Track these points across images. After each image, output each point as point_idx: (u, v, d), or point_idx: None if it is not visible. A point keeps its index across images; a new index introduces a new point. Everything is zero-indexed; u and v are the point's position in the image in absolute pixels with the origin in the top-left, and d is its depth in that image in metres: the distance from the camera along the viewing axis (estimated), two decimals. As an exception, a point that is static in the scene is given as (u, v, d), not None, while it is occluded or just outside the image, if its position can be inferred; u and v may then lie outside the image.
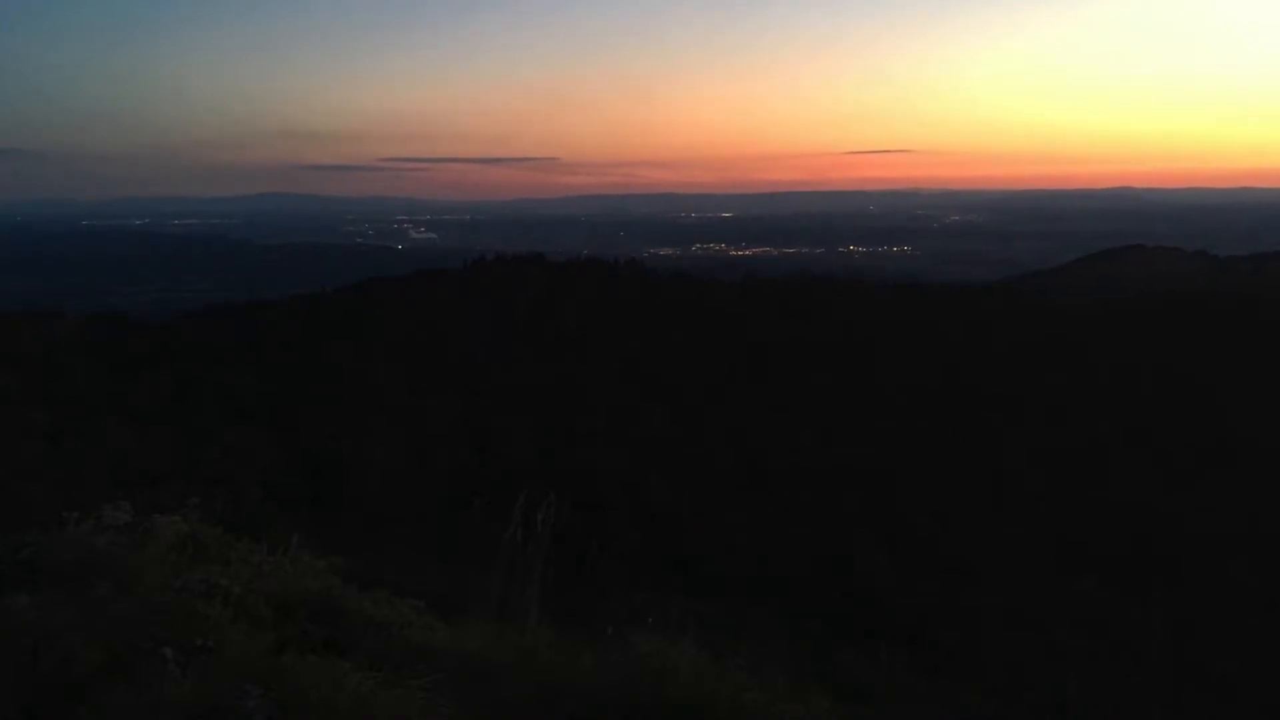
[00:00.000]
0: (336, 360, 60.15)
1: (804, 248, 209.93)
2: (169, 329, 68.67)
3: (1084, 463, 53.00)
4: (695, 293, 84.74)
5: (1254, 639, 29.89)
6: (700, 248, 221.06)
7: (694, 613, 5.43)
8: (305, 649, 4.94)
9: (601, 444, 50.76)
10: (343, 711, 4.36)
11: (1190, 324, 70.64)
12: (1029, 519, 45.88)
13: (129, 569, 5.47)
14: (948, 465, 51.96)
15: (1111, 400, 60.94)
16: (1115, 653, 26.97)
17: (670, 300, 79.09)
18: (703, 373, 64.11)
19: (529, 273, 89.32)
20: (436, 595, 5.92)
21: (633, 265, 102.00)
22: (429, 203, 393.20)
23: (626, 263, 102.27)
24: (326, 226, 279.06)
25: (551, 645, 5.09)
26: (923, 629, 29.03)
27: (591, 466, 46.16)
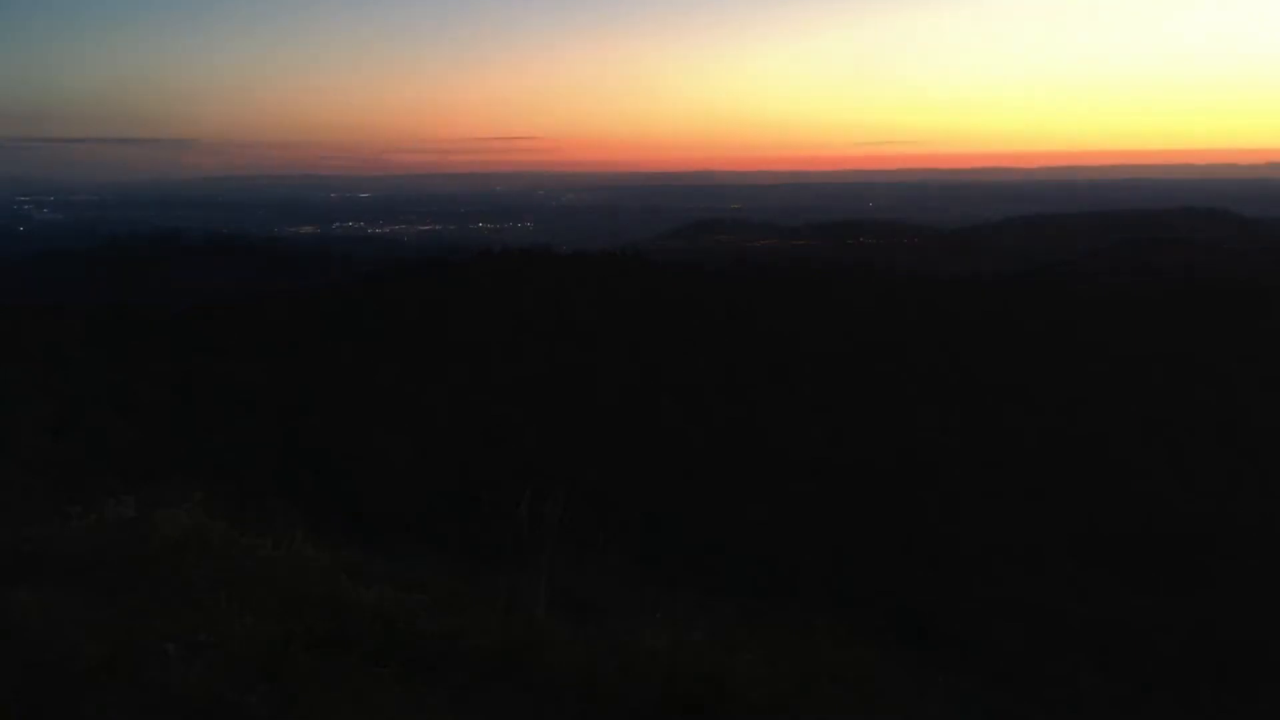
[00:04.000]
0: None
1: (437, 225, 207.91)
2: None
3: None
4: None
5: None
6: (339, 225, 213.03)
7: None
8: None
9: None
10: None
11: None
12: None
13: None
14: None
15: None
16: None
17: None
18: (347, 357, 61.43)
19: (167, 253, 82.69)
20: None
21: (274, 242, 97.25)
22: (56, 183, 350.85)
23: (267, 239, 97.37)
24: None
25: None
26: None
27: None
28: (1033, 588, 33.11)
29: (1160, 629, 28.60)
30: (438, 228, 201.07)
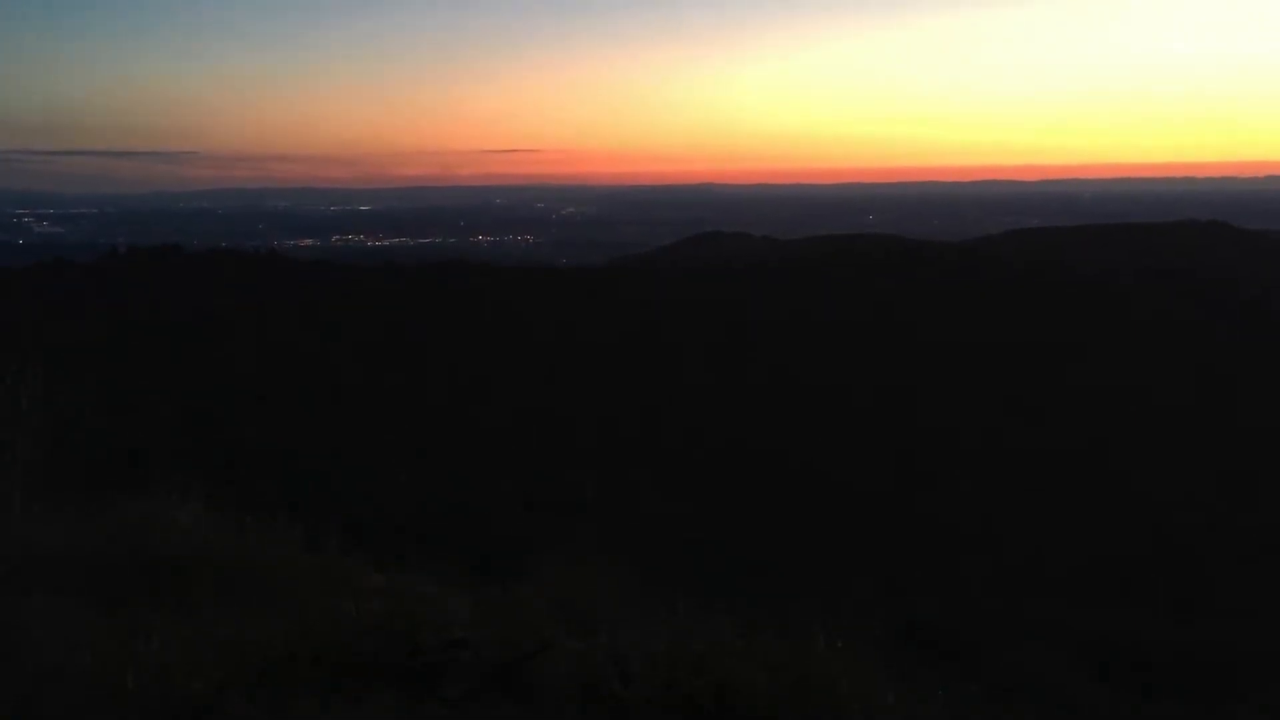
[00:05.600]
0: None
1: (437, 238, 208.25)
2: None
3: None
4: (340, 279, 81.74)
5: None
6: (339, 238, 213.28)
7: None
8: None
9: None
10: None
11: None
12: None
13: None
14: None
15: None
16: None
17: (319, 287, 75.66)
18: (345, 362, 61.39)
19: (167, 264, 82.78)
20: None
21: (274, 256, 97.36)
22: (55, 196, 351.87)
23: (268, 253, 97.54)
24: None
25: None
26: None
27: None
28: (1033, 598, 32.97)
29: (1160, 640, 28.44)
30: (438, 240, 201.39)
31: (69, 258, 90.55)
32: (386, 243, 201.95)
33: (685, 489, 44.56)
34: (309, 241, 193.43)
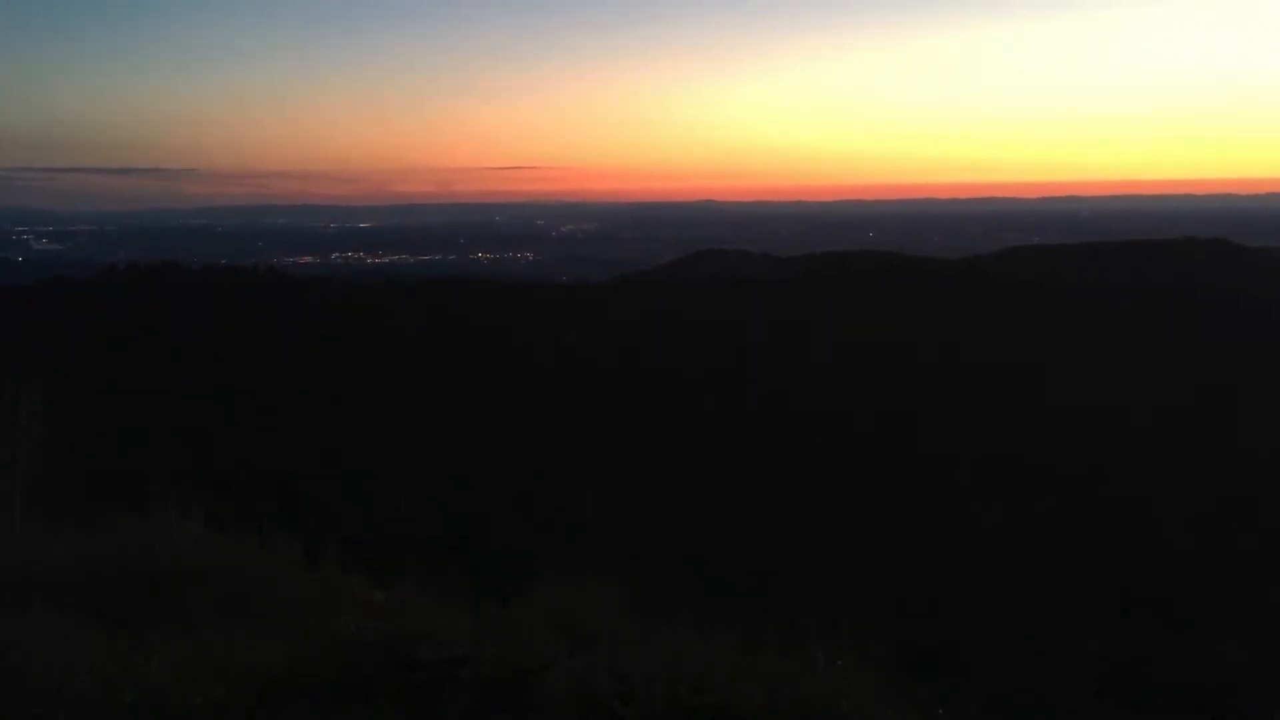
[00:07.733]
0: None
1: (438, 255, 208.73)
2: None
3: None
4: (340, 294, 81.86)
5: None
6: (339, 255, 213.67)
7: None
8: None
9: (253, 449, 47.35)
10: None
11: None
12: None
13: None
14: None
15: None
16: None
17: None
18: (351, 373, 61.60)
19: (166, 282, 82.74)
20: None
21: (273, 273, 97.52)
22: (54, 214, 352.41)
23: (267, 270, 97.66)
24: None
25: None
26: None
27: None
28: (1033, 616, 32.99)
29: (1160, 658, 28.34)
30: (438, 258, 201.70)
31: (68, 275, 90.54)
32: (386, 260, 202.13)
33: (685, 506, 44.51)
34: (308, 259, 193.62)
